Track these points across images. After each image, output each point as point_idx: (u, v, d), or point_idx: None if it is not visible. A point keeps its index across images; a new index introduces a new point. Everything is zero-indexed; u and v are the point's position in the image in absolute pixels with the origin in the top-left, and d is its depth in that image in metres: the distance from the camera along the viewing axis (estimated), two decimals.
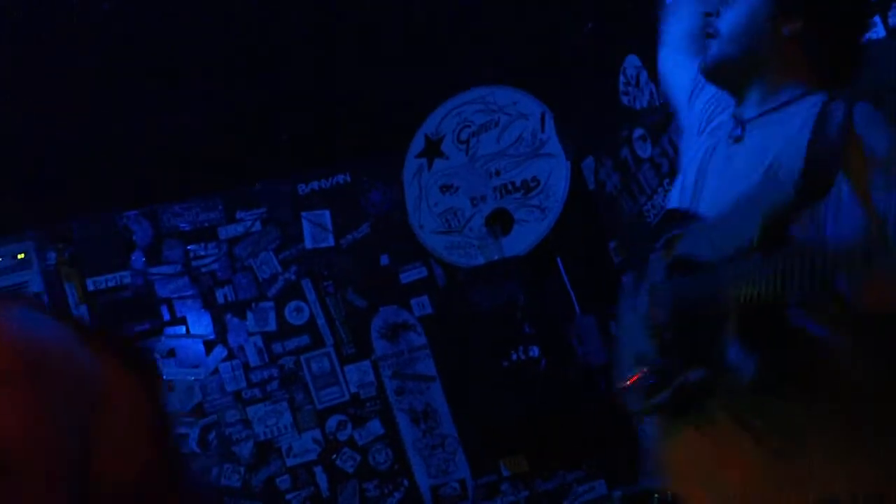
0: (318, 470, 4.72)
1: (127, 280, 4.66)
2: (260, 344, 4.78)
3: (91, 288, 4.60)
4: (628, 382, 2.10)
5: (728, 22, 2.09)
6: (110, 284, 4.62)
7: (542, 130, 4.60)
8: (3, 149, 4.04)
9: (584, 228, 4.75)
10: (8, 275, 4.47)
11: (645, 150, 4.23)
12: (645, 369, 2.07)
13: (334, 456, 4.75)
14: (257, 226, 4.88)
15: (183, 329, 4.74)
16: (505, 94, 4.65)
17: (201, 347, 4.74)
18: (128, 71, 3.94)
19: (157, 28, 3.67)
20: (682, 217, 2.16)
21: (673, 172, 3.96)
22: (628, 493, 4.26)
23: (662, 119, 4.01)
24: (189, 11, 3.62)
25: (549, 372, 4.40)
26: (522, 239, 4.62)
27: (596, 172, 4.69)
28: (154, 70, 3.99)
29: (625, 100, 4.29)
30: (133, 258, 4.73)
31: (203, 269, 4.80)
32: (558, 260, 4.64)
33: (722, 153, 2.13)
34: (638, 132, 4.26)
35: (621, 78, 4.28)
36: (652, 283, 2.11)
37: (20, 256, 4.47)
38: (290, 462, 4.70)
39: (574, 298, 4.66)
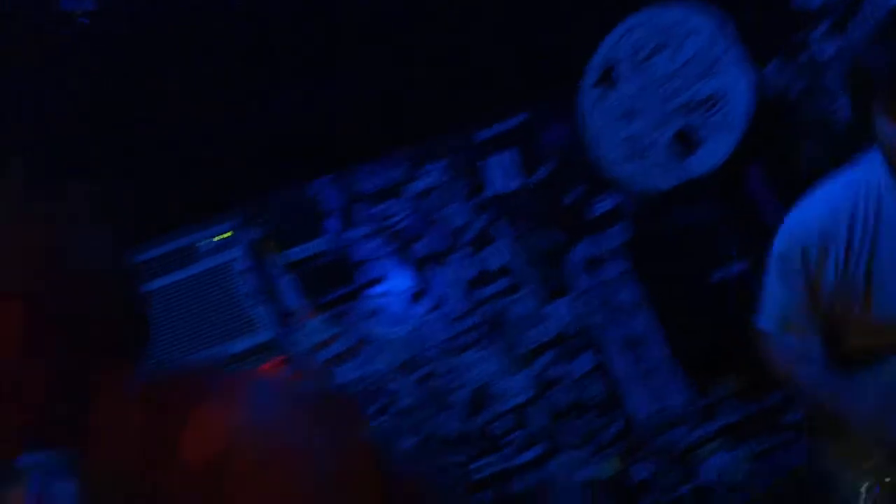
0: (532, 410, 4.77)
1: (324, 247, 4.77)
2: (460, 293, 4.84)
3: (292, 258, 4.73)
4: None
5: None
6: (309, 253, 4.75)
7: (718, 43, 4.48)
8: (203, 135, 4.20)
9: (772, 137, 4.62)
10: (214, 255, 4.64)
11: (825, 52, 4.09)
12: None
13: (547, 394, 4.78)
14: (443, 177, 4.93)
15: (384, 288, 4.84)
16: (676, 12, 4.54)
17: (403, 303, 4.83)
18: (300, 45, 4.03)
19: None
20: None
21: None
22: None
23: (840, 17, 3.87)
24: None
25: (755, 286, 4.31)
26: (710, 156, 4.52)
27: (777, 79, 4.55)
28: (328, 41, 4.07)
29: (798, 1, 4.14)
30: (327, 225, 4.85)
31: (395, 227, 4.88)
32: (750, 172, 4.53)
33: None
34: (816, 33, 4.11)
35: None
36: None
37: (225, 236, 4.64)
38: (504, 405, 4.76)
39: (772, 208, 4.55)
